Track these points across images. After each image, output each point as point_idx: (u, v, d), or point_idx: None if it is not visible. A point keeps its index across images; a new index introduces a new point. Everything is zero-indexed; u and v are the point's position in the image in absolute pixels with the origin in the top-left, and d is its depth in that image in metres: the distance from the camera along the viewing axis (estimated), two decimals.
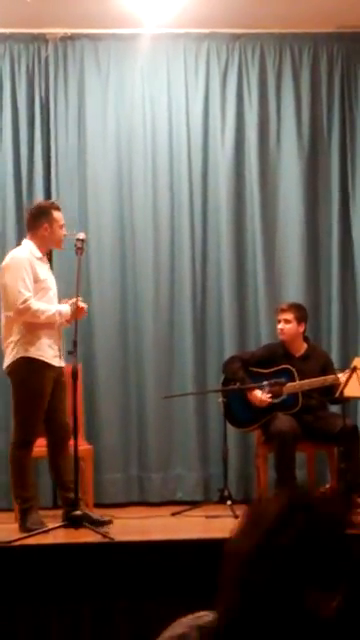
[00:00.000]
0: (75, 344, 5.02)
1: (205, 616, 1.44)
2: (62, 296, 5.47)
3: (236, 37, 6.97)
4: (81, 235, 5.34)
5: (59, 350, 5.28)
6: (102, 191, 6.78)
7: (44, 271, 5.35)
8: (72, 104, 6.85)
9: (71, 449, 5.16)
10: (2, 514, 6.10)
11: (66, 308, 5.25)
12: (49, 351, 5.23)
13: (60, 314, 5.23)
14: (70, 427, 5.26)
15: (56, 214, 5.38)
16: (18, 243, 6.58)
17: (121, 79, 6.90)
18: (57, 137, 6.80)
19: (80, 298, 5.26)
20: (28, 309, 5.16)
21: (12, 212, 6.71)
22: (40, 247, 5.36)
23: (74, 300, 5.24)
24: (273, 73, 6.98)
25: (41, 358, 5.20)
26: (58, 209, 5.44)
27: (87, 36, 6.88)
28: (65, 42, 6.87)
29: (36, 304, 5.20)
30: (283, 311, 6.18)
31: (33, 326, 5.20)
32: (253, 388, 6.04)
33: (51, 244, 5.45)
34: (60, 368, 5.31)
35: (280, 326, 6.17)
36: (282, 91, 6.98)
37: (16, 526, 5.31)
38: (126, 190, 6.86)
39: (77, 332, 5.16)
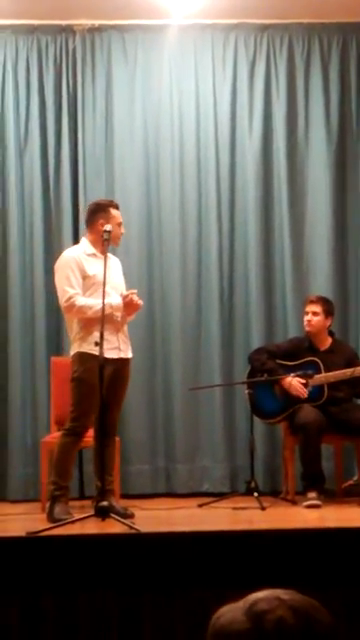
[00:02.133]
0: (102, 335, 5.00)
1: (294, 594, 1.41)
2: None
3: (264, 27, 6.93)
4: (108, 227, 5.34)
5: (118, 342, 5.31)
6: (129, 182, 6.78)
7: (95, 267, 5.36)
8: (99, 95, 6.85)
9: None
10: (30, 504, 6.14)
11: (117, 300, 5.31)
12: (103, 344, 5.26)
13: (111, 306, 5.28)
14: (115, 423, 5.38)
15: (114, 212, 5.47)
16: (46, 231, 6.67)
17: (148, 70, 6.89)
18: (84, 128, 6.81)
19: (135, 291, 5.33)
20: (73, 306, 5.32)
21: (39, 203, 6.73)
22: (95, 243, 5.44)
23: (127, 293, 5.33)
24: (301, 63, 6.94)
25: (92, 352, 5.23)
26: (117, 207, 5.54)
27: (114, 27, 6.87)
28: (92, 33, 6.87)
29: (81, 300, 5.30)
30: (312, 303, 6.16)
31: (85, 322, 5.31)
32: (281, 378, 6.03)
33: (111, 240, 5.43)
34: (120, 360, 5.32)
35: (308, 317, 6.15)
36: (310, 81, 6.94)
37: (43, 516, 5.33)
38: (153, 182, 6.86)
39: (104, 324, 5.12)
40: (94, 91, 6.86)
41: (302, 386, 5.99)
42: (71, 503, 6.20)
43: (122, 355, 5.35)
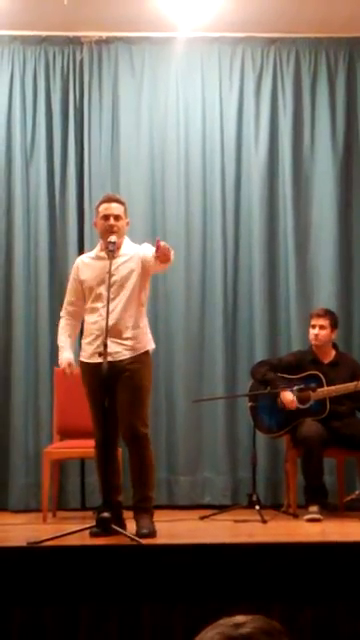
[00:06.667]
0: (105, 346, 4.94)
1: (242, 626, 1.41)
2: None
3: (271, 41, 6.96)
4: (112, 238, 5.30)
5: (103, 346, 4.91)
6: (134, 194, 6.78)
7: (89, 271, 5.28)
8: (106, 107, 6.88)
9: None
10: (31, 514, 6.14)
11: (63, 356, 5.25)
12: (88, 349, 5.18)
13: (60, 351, 5.30)
14: (132, 430, 5.07)
15: (101, 207, 5.31)
16: (51, 242, 6.70)
17: (155, 83, 6.92)
18: (90, 140, 6.83)
19: (70, 365, 5.24)
20: (60, 324, 5.40)
21: (45, 214, 6.75)
22: (102, 244, 5.32)
23: (68, 367, 5.23)
24: (308, 77, 6.96)
25: (81, 359, 5.22)
26: (104, 202, 5.33)
27: (122, 39, 6.90)
28: (100, 45, 6.90)
29: (63, 322, 5.35)
30: (319, 316, 6.16)
31: (84, 331, 5.30)
32: (283, 390, 6.03)
33: (102, 237, 5.31)
34: (111, 364, 4.93)
35: (315, 331, 6.14)
36: (317, 96, 6.96)
37: (45, 526, 5.32)
38: (159, 194, 6.87)
39: (107, 335, 4.97)
40: (101, 102, 6.88)
41: (291, 400, 6.00)
42: (73, 514, 6.21)
43: (109, 358, 4.94)
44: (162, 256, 4.93)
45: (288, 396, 6.02)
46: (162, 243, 4.93)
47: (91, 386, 5.11)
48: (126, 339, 5.14)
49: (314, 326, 6.16)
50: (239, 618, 1.42)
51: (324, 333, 6.15)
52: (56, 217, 6.79)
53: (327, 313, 6.19)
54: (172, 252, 4.97)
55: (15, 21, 6.62)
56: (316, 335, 6.15)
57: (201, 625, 1.46)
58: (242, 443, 6.62)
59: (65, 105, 6.85)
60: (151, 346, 5.25)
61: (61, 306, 5.45)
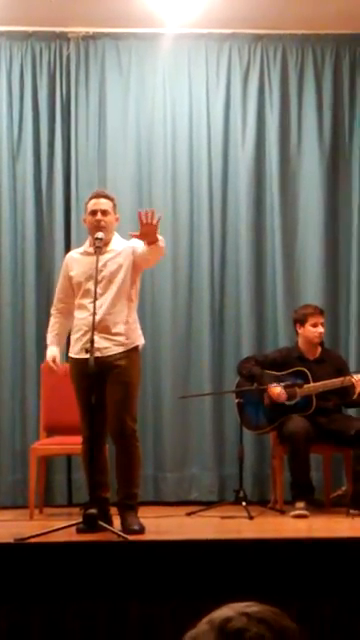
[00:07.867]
0: (92, 343, 4.91)
1: (254, 606, 1.42)
2: None
3: (258, 38, 6.96)
4: (99, 234, 5.28)
5: (90, 342, 4.87)
6: (121, 190, 6.75)
7: (78, 266, 5.26)
8: (93, 103, 6.87)
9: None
10: (18, 510, 6.13)
11: (49, 352, 5.29)
12: (76, 345, 5.16)
13: (48, 345, 5.31)
14: (118, 427, 5.05)
15: (89, 203, 5.31)
16: (37, 238, 6.68)
17: (142, 79, 6.91)
18: (77, 136, 6.82)
19: (54, 360, 5.24)
20: (49, 321, 5.39)
21: (31, 210, 6.72)
22: (90, 240, 5.29)
23: (53, 362, 5.24)
24: (295, 74, 6.96)
25: (70, 354, 5.21)
26: (93, 197, 5.33)
27: (109, 35, 6.89)
28: (87, 41, 6.89)
29: (52, 320, 5.35)
30: (321, 315, 6.19)
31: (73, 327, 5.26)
32: (269, 384, 6.04)
33: (90, 233, 5.30)
34: (98, 360, 4.89)
35: (320, 330, 6.15)
36: (303, 92, 6.97)
37: (32, 523, 5.30)
38: (145, 190, 6.87)
39: (94, 331, 4.95)
40: (87, 98, 6.87)
41: (279, 392, 5.99)
42: (59, 510, 6.20)
43: (97, 354, 4.92)
44: (147, 226, 4.93)
45: (276, 389, 6.03)
46: (143, 212, 4.94)
47: (79, 382, 5.10)
48: (115, 335, 5.13)
49: (316, 324, 6.16)
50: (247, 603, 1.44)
51: (323, 331, 6.19)
52: (43, 212, 6.78)
53: (322, 311, 6.23)
54: (157, 220, 4.97)
55: (1, 16, 6.59)
56: (321, 333, 6.17)
57: (189, 621, 1.46)
58: (229, 439, 6.63)
59: (52, 101, 6.83)
60: (140, 341, 5.25)
61: (48, 301, 5.44)
